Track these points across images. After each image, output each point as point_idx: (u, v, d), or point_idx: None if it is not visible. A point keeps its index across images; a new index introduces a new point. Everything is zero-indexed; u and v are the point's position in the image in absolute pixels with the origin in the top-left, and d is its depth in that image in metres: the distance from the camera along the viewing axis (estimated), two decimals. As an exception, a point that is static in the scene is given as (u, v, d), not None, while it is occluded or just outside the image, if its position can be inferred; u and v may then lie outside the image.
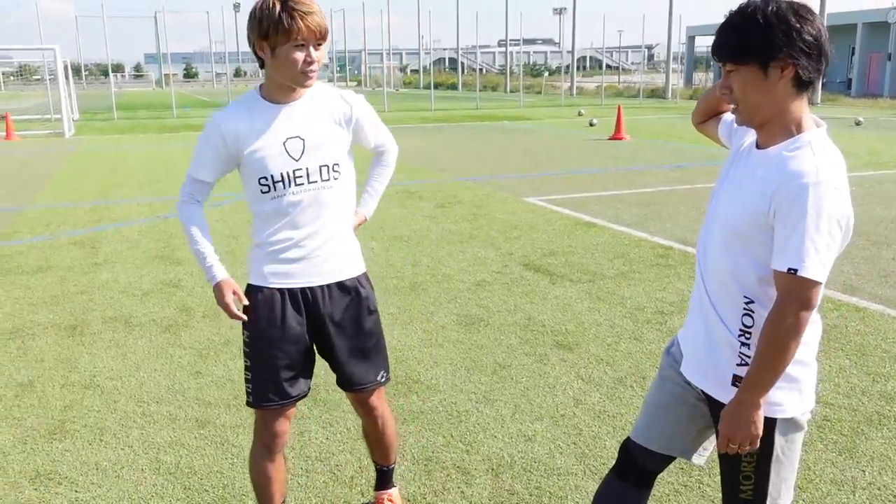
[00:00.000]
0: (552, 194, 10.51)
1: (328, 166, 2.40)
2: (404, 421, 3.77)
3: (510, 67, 60.07)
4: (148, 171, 13.58)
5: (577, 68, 55.62)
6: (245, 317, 2.46)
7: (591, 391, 4.11)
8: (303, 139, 2.36)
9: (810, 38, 1.76)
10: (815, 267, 1.72)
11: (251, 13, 2.27)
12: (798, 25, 1.75)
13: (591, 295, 5.82)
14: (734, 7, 1.84)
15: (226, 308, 2.44)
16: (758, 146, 1.90)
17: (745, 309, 1.89)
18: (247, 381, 2.51)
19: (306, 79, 2.29)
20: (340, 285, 2.52)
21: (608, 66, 66.52)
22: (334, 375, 2.67)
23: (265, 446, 2.56)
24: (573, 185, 11.46)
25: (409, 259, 6.96)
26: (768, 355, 1.80)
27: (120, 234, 8.24)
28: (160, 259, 7.07)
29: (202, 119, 28.26)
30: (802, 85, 1.81)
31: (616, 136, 18.59)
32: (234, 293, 2.45)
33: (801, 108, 1.84)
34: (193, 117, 29.70)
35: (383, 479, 3.01)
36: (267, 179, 2.35)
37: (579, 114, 28.77)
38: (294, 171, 2.36)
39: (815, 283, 1.74)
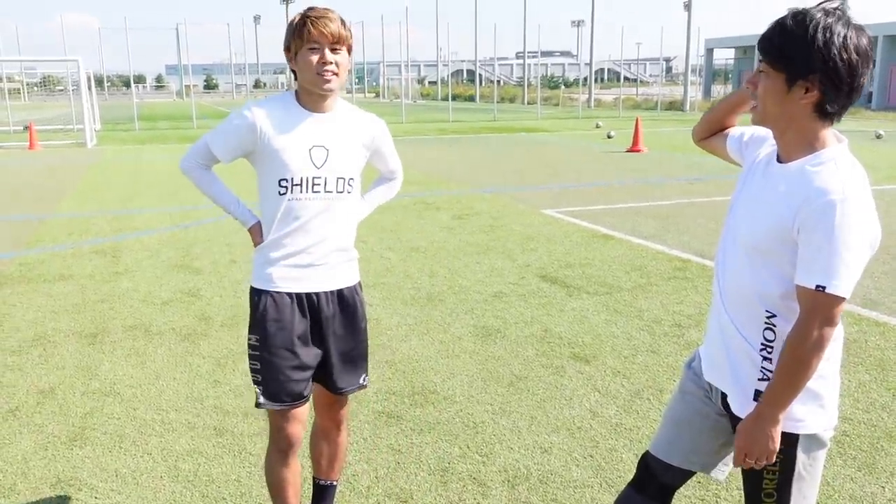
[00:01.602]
0: (569, 206, 10.50)
1: (344, 179, 2.51)
2: (420, 432, 3.78)
3: (528, 79, 60.16)
4: (168, 181, 13.72)
5: (595, 80, 55.60)
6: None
7: (608, 404, 4.10)
8: (327, 149, 2.47)
9: (844, 69, 1.70)
10: (843, 284, 1.72)
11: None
12: (839, 52, 1.69)
13: (608, 307, 5.81)
14: (797, 9, 1.77)
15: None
16: (778, 159, 1.89)
17: (766, 323, 1.89)
18: (256, 382, 2.55)
19: (323, 81, 2.38)
20: (341, 293, 2.60)
21: (626, 79, 66.43)
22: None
23: (280, 450, 2.59)
24: (590, 197, 11.45)
25: (426, 270, 6.98)
26: (790, 371, 1.79)
27: (141, 243, 8.33)
28: (180, 268, 7.13)
29: (222, 130, 28.48)
30: (825, 114, 1.77)
31: (634, 149, 18.55)
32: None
33: (822, 127, 1.81)
34: (214, 128, 29.94)
35: (327, 498, 2.92)
36: (287, 181, 2.43)
37: (597, 126, 28.75)
38: (314, 178, 2.45)
39: (841, 300, 1.74)
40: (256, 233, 2.58)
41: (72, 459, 3.54)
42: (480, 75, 72.53)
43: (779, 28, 1.78)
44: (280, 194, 2.45)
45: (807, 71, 1.73)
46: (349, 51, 2.44)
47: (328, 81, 2.38)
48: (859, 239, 1.72)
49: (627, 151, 18.53)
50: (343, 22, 2.40)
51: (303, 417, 2.59)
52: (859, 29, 1.74)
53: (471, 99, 63.45)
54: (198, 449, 3.62)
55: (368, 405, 4.07)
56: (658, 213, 10.00)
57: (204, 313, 5.74)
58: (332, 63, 2.37)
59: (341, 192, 2.51)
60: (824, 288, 1.72)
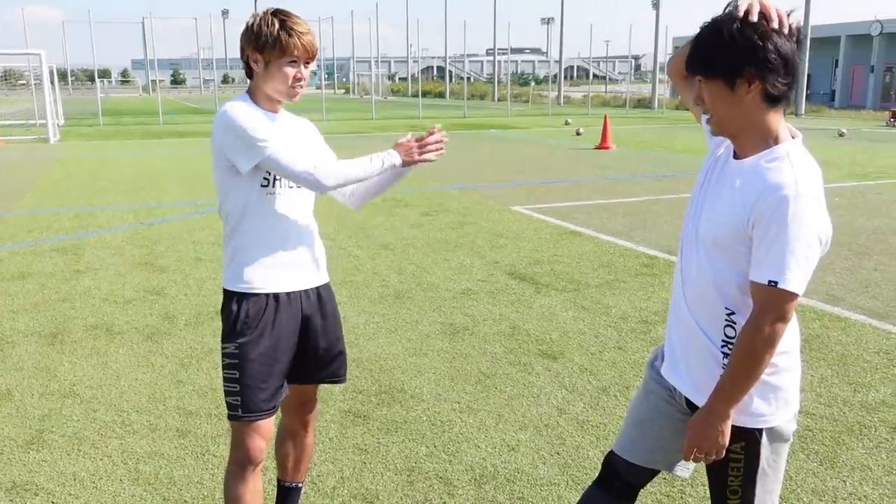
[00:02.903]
0: (538, 203, 10.52)
1: None
2: (387, 431, 3.75)
3: (498, 76, 60.26)
4: (133, 177, 13.50)
5: (565, 77, 55.86)
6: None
7: (575, 401, 4.10)
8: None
9: (773, 55, 1.74)
10: (796, 280, 1.73)
11: (248, 25, 2.36)
12: (760, 43, 1.74)
13: (575, 304, 5.82)
14: (706, 21, 1.85)
15: (415, 153, 2.50)
16: (735, 156, 1.91)
17: (726, 320, 1.89)
18: (232, 393, 2.45)
19: (295, 94, 2.38)
20: (319, 290, 2.58)
21: (595, 76, 66.84)
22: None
23: (240, 464, 2.49)
24: (559, 194, 11.49)
25: (395, 267, 6.94)
26: (742, 366, 1.80)
27: (103, 240, 8.18)
28: (143, 266, 7.01)
29: (189, 126, 28.18)
30: (773, 99, 1.80)
31: (602, 146, 18.66)
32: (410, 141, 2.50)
33: (776, 120, 1.84)
34: (180, 124, 29.60)
35: (292, 501, 2.86)
36: (269, 174, 2.39)
37: (566, 123, 28.87)
38: None
39: (794, 296, 1.75)
40: (406, 154, 2.47)
41: (28, 463, 3.45)
42: (450, 72, 72.50)
43: (698, 43, 1.84)
44: (262, 187, 2.40)
45: (739, 67, 1.77)
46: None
47: (297, 94, 2.38)
48: (811, 234, 1.74)
49: (596, 148, 18.63)
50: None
51: (268, 433, 2.52)
52: (759, 14, 1.77)
53: (441, 95, 63.43)
54: (159, 451, 3.55)
55: (335, 404, 4.02)
56: (626, 209, 10.06)
57: (168, 312, 5.65)
58: (304, 78, 2.37)
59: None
60: (776, 283, 1.73)
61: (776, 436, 1.94)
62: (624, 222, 9.13)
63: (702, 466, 2.15)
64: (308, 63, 2.37)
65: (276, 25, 2.31)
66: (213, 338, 5.05)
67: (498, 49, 59.14)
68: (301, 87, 2.37)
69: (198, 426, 3.80)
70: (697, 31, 1.86)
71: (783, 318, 1.76)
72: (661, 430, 2.15)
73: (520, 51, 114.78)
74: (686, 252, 2.01)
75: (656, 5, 45.01)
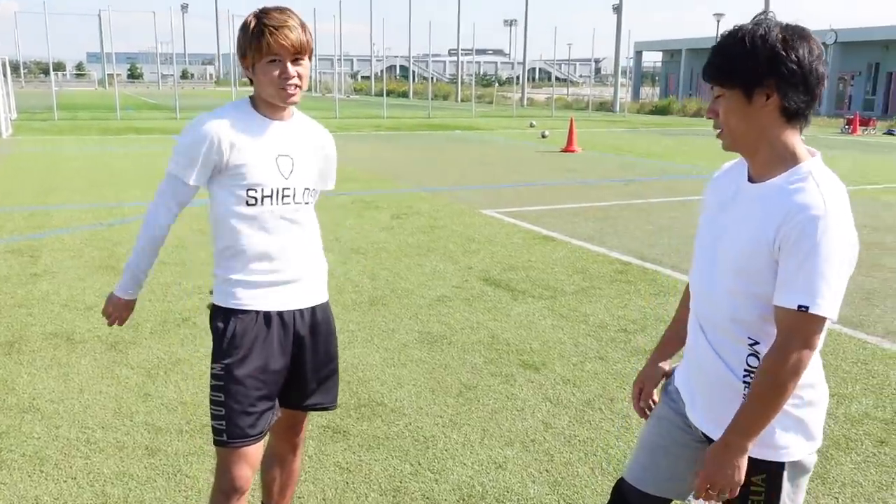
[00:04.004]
0: (509, 206, 10.44)
1: (309, 189, 2.36)
2: (369, 448, 3.60)
3: (461, 77, 60.26)
4: (91, 175, 13.09)
5: (527, 79, 56.08)
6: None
7: (560, 414, 4.00)
8: (292, 159, 2.30)
9: (794, 67, 1.67)
10: (827, 304, 1.63)
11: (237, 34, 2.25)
12: (784, 53, 1.67)
13: (553, 312, 5.73)
14: (728, 28, 1.76)
15: (109, 315, 2.51)
16: (750, 179, 1.81)
17: (750, 350, 1.80)
18: (217, 417, 2.29)
19: (286, 95, 2.22)
20: (314, 311, 2.43)
21: (557, 79, 67.29)
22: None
23: (224, 493, 2.32)
24: (529, 197, 11.43)
25: (367, 272, 6.79)
26: (764, 397, 1.70)
27: (61, 242, 7.86)
28: (105, 269, 6.74)
29: (147, 122, 27.58)
30: (790, 115, 1.72)
31: (568, 149, 18.68)
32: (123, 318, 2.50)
33: (793, 137, 1.75)
34: (138, 119, 28.94)
35: None
36: (256, 192, 2.23)
37: (531, 125, 28.92)
38: (283, 189, 2.27)
39: (823, 322, 1.66)
40: (116, 305, 2.49)
41: (-14, 485, 3.23)
42: (414, 72, 72.32)
43: (719, 50, 1.76)
44: (248, 205, 2.24)
45: (760, 77, 1.69)
46: (310, 56, 2.25)
47: (292, 95, 2.22)
48: (843, 256, 1.65)
49: (562, 151, 18.65)
50: (304, 26, 2.21)
51: (255, 460, 2.36)
52: (793, 26, 1.72)
53: (404, 95, 63.18)
54: (128, 471, 3.35)
55: (313, 419, 3.85)
56: (596, 214, 10.03)
57: (132, 319, 5.36)
58: (294, 76, 2.19)
59: (308, 203, 2.36)
60: (808, 308, 1.63)
61: (799, 469, 1.86)
62: (595, 227, 9.09)
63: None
64: (298, 59, 2.20)
65: (253, 25, 2.18)
66: (182, 347, 4.85)
67: (462, 49, 59.16)
68: (293, 85, 2.20)
69: (168, 443, 3.61)
70: (718, 39, 1.78)
71: (810, 346, 1.67)
72: (676, 458, 2.06)
73: (483, 51, 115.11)
74: (702, 283, 1.90)
75: (618, 9, 45.40)
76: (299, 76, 2.21)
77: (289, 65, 2.18)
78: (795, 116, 1.73)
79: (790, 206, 1.67)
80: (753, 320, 1.77)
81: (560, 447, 3.64)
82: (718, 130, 1.82)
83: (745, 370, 1.82)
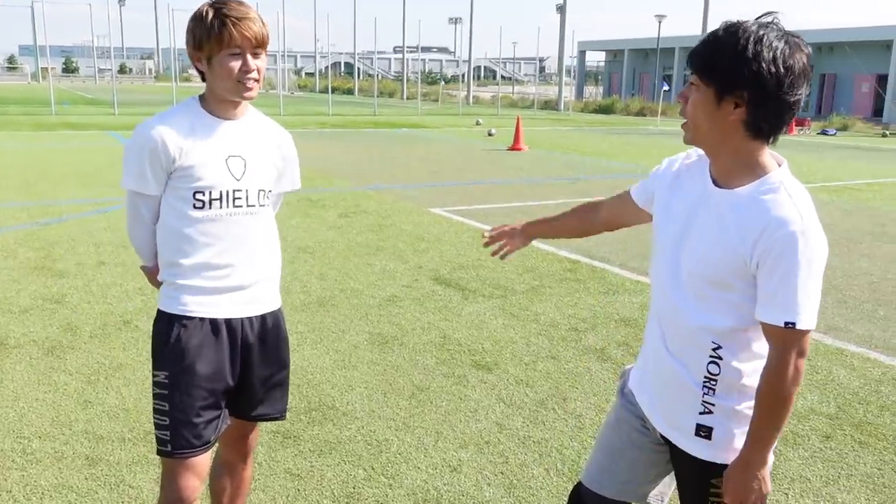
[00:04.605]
0: (457, 205, 10.42)
1: (264, 191, 2.27)
2: (320, 453, 3.52)
3: (407, 74, 60.09)
4: (24, 172, 12.60)
5: (472, 78, 56.25)
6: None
7: (514, 415, 3.98)
8: (244, 159, 2.20)
9: (772, 86, 1.60)
10: (810, 317, 1.66)
11: (187, 25, 2.14)
12: (770, 67, 1.59)
13: (504, 311, 5.72)
14: (732, 21, 1.68)
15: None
16: (716, 183, 1.77)
17: (711, 356, 1.79)
18: (161, 427, 2.20)
19: (245, 89, 2.13)
20: (265, 318, 2.34)
21: (502, 77, 67.70)
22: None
23: (181, 502, 2.23)
24: (477, 196, 11.43)
25: (316, 272, 6.67)
26: (774, 409, 1.72)
27: (-7, 242, 7.54)
28: (40, 271, 6.48)
29: (84, 117, 26.74)
30: (755, 131, 1.67)
31: (515, 147, 18.77)
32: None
33: (757, 147, 1.71)
34: (74, 115, 28.04)
35: None
36: (204, 195, 2.14)
37: (477, 123, 28.99)
38: (234, 192, 2.18)
39: (809, 331, 1.68)
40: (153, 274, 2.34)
41: (-88, 502, 3.05)
42: (359, 69, 71.84)
43: (710, 40, 1.69)
44: (196, 208, 2.14)
45: (734, 84, 1.63)
46: (266, 50, 2.17)
47: (250, 90, 2.13)
48: (820, 268, 1.67)
49: (509, 150, 18.72)
50: (261, 18, 2.13)
51: (203, 470, 2.27)
52: (795, 44, 1.65)
53: (349, 92, 62.71)
54: (67, 483, 3.21)
55: (262, 425, 3.74)
56: (544, 212, 9.94)
57: (70, 322, 5.20)
58: (254, 70, 2.11)
59: (263, 206, 2.26)
60: (794, 324, 1.65)
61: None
62: (543, 225, 9.12)
63: (675, 496, 2.05)
64: (256, 52, 2.12)
65: (210, 15, 2.08)
66: (123, 351, 4.68)
67: (407, 47, 59.01)
68: (252, 80, 2.13)
69: (109, 452, 3.47)
70: (716, 28, 1.70)
71: (804, 354, 1.70)
72: (634, 460, 2.05)
73: (428, 49, 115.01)
74: (663, 288, 1.88)
75: (561, 9, 45.85)
76: (258, 70, 2.13)
77: (249, 57, 2.11)
78: (758, 133, 1.69)
79: (767, 220, 1.64)
80: (720, 327, 1.77)
81: (514, 448, 3.62)
82: (684, 121, 1.77)
83: (706, 377, 1.82)
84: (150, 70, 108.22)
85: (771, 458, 1.88)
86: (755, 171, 1.72)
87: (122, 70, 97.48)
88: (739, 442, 1.81)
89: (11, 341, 4.83)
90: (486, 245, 2.43)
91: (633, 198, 2.10)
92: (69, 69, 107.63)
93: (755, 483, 1.77)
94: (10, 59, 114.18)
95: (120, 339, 4.89)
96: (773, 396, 1.71)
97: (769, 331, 1.69)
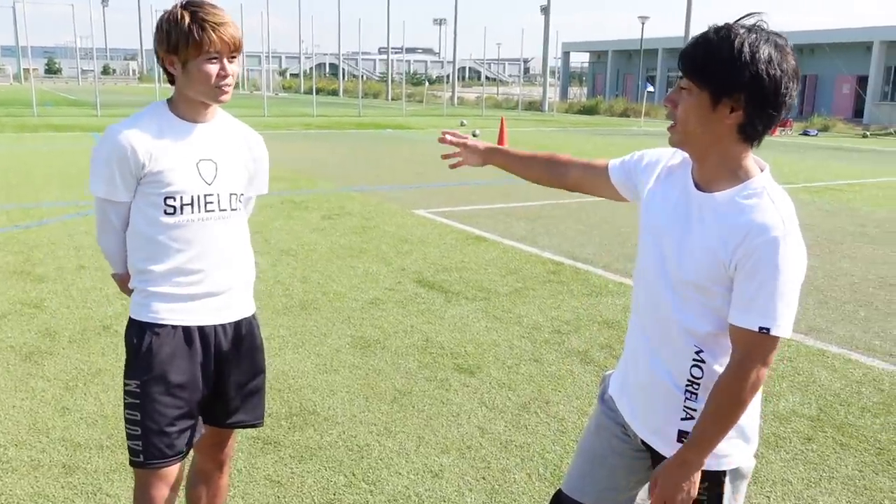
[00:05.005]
0: (441, 207, 10.40)
1: (236, 195, 2.24)
2: (301, 459, 3.49)
3: (392, 75, 60.02)
4: (5, 174, 12.47)
5: (457, 78, 56.32)
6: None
7: (496, 419, 3.97)
8: (215, 163, 2.18)
9: (771, 89, 1.61)
10: (786, 325, 1.65)
11: (157, 26, 2.10)
12: (768, 70, 1.59)
13: (487, 314, 5.71)
14: (719, 24, 1.67)
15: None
16: (698, 187, 1.77)
17: (694, 360, 1.78)
18: (133, 437, 2.17)
19: (221, 93, 2.11)
20: (239, 325, 2.31)
21: (487, 78, 67.76)
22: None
23: None
24: (461, 197, 11.42)
25: (298, 275, 6.64)
26: (724, 414, 1.70)
27: (-29, 246, 7.44)
28: (19, 275, 6.40)
29: (67, 118, 26.51)
30: (747, 134, 1.67)
31: (500, 148, 18.75)
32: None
33: (744, 152, 1.72)
34: (57, 116, 27.79)
35: None
36: (175, 200, 2.11)
37: (462, 124, 28.96)
38: (206, 196, 2.15)
39: (780, 340, 1.67)
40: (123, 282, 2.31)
41: None
42: (343, 70, 71.70)
43: (703, 44, 1.67)
44: (167, 214, 2.12)
45: (733, 88, 1.62)
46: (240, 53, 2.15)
47: (225, 93, 2.11)
48: (799, 276, 1.66)
49: (494, 151, 18.68)
50: (234, 23, 2.11)
51: (177, 481, 2.25)
52: (783, 46, 1.65)
53: (334, 93, 62.57)
54: (43, 492, 3.16)
55: (242, 430, 3.72)
56: (527, 214, 10.09)
57: (48, 328, 5.14)
58: (230, 75, 2.10)
59: (235, 210, 2.24)
60: (769, 330, 1.64)
61: (738, 475, 1.86)
62: (526, 227, 9.13)
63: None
64: (233, 57, 2.11)
65: (188, 20, 2.04)
66: (102, 357, 4.63)
67: (392, 48, 58.95)
68: (228, 85, 2.11)
69: (87, 460, 3.42)
70: (707, 29, 1.68)
71: (768, 363, 1.68)
72: (614, 467, 2.04)
73: (412, 50, 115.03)
74: (646, 290, 1.87)
75: (546, 10, 45.96)
76: (232, 74, 2.12)
77: (226, 62, 2.10)
78: (751, 137, 1.69)
79: (749, 226, 1.64)
80: (701, 331, 1.76)
81: (496, 453, 3.61)
82: (671, 123, 1.75)
83: (688, 381, 1.81)
84: (133, 71, 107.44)
85: (753, 462, 1.89)
86: (738, 175, 1.72)
87: (106, 71, 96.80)
88: (722, 447, 1.79)
89: (-12, 347, 4.77)
90: (441, 142, 2.35)
91: (611, 174, 2.07)
92: (52, 70, 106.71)
93: (686, 484, 1.75)
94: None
95: (99, 345, 4.84)
96: (728, 401, 1.69)
97: (738, 335, 1.67)
